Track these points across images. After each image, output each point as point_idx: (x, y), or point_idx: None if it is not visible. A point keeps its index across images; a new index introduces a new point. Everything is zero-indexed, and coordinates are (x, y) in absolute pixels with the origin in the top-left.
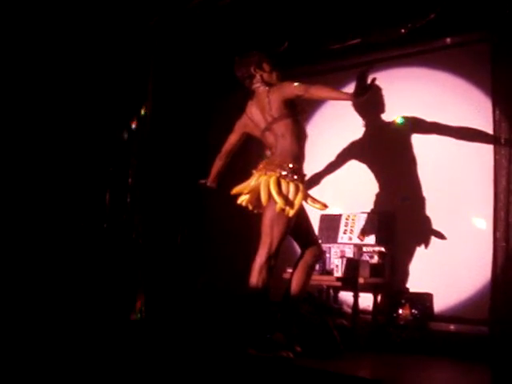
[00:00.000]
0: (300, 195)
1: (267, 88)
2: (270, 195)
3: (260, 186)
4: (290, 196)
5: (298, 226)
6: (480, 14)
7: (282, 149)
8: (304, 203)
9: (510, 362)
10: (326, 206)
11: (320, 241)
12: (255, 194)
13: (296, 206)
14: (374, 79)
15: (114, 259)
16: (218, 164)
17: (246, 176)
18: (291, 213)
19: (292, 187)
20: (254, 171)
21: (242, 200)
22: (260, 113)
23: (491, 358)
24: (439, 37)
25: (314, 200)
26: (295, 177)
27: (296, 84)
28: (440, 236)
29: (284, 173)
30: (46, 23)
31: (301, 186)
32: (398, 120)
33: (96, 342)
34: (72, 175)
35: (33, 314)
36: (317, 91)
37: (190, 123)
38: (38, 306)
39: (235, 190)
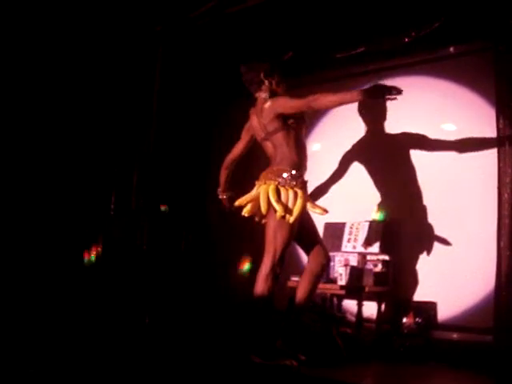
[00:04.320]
0: (299, 201)
1: (266, 98)
2: (269, 203)
3: (260, 195)
4: (290, 203)
5: (303, 234)
6: (483, 24)
7: (281, 157)
8: (311, 212)
9: None
10: (326, 211)
11: None
12: (256, 203)
13: (296, 213)
14: (394, 98)
15: (118, 265)
16: (224, 174)
17: (251, 187)
18: (291, 220)
19: (291, 194)
20: (256, 182)
21: (245, 211)
22: (258, 122)
23: (495, 367)
24: (443, 46)
25: (314, 205)
26: (294, 183)
27: (295, 100)
28: (444, 242)
29: (282, 180)
30: (51, 26)
31: (300, 192)
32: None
33: (99, 346)
34: (77, 182)
35: (34, 315)
36: (320, 101)
37: (194, 129)
38: (39, 308)
39: (238, 202)
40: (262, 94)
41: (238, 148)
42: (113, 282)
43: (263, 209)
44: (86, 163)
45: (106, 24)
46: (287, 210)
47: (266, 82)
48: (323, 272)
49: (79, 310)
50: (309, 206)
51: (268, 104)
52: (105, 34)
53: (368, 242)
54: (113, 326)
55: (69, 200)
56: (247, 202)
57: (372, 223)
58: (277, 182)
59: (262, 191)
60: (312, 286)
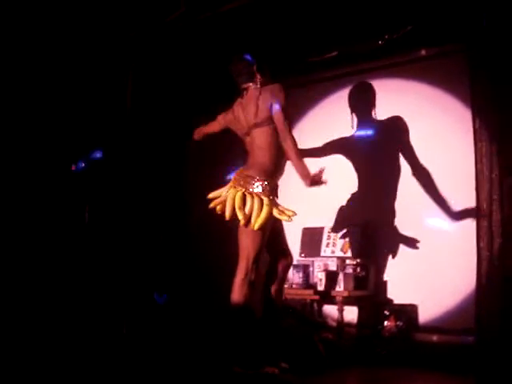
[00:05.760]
0: (265, 209)
1: (259, 89)
2: (234, 210)
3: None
4: (255, 211)
5: (271, 240)
6: (457, 26)
7: (254, 161)
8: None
9: (495, 372)
10: (291, 218)
11: (303, 254)
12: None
13: (260, 221)
14: (322, 169)
15: (97, 266)
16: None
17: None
18: (255, 227)
19: (256, 202)
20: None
21: (218, 210)
22: (244, 114)
23: (477, 368)
24: (417, 48)
25: (281, 212)
26: (260, 190)
27: (283, 120)
28: (423, 245)
29: (250, 188)
30: (26, 32)
31: (265, 200)
32: None
33: (79, 351)
34: (50, 185)
35: (17, 323)
36: (288, 145)
37: (169, 131)
38: (18, 315)
39: (211, 195)
40: (253, 85)
41: (211, 127)
42: (90, 291)
43: (227, 215)
44: (61, 163)
45: (81, 32)
46: (250, 219)
47: (258, 75)
48: (286, 274)
49: (57, 315)
50: (275, 212)
51: (266, 92)
52: (80, 42)
53: (347, 247)
54: (91, 336)
55: (44, 198)
56: (219, 203)
57: (350, 227)
58: (244, 189)
59: (229, 197)
60: (280, 288)
